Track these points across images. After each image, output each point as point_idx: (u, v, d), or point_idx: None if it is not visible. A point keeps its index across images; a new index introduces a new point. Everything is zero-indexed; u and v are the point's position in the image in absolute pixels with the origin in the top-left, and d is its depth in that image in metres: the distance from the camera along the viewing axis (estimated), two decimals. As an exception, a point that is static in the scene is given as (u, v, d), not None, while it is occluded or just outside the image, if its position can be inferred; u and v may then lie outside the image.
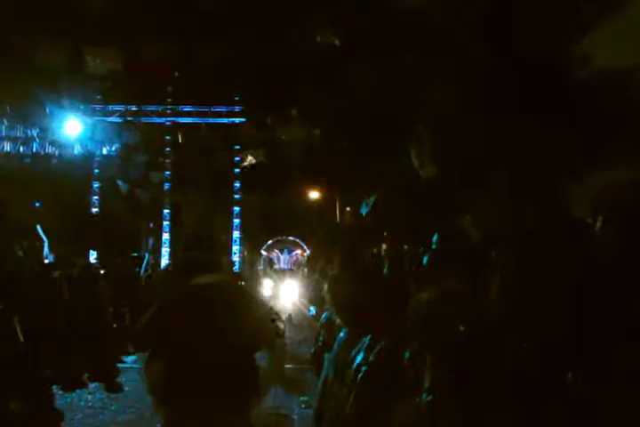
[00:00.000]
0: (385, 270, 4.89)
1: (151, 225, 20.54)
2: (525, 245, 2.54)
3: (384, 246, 11.55)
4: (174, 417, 2.50)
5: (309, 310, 4.89)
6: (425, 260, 2.96)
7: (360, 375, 2.51)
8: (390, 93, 7.19)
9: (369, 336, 2.67)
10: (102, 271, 9.60)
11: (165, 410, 2.52)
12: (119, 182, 19.68)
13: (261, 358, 2.81)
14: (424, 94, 5.65)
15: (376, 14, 7.38)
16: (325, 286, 3.76)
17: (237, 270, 18.34)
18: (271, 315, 3.02)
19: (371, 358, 2.49)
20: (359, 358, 2.60)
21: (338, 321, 3.37)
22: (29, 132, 18.46)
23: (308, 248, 25.91)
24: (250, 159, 19.05)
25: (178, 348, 2.47)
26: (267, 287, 22.20)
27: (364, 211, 10.51)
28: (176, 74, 17.02)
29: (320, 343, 3.83)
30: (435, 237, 2.82)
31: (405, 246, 7.60)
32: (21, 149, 18.51)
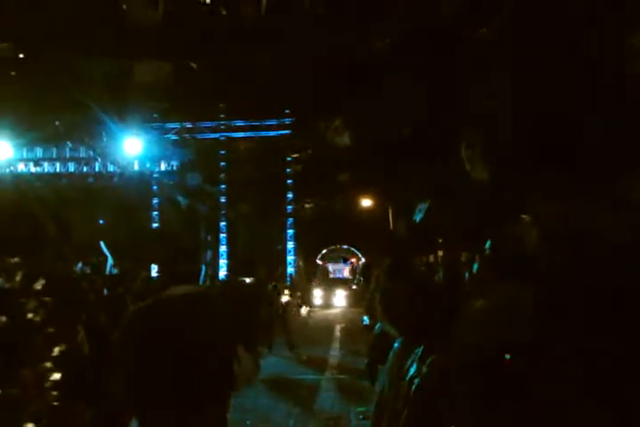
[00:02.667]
0: (439, 278, 4.79)
1: (209, 238, 20.99)
2: (584, 248, 2.43)
3: (440, 253, 11.34)
4: (148, 421, 2.50)
5: (363, 320, 4.82)
6: (476, 266, 2.86)
7: (413, 388, 2.45)
8: (441, 100, 7.10)
9: (421, 347, 2.60)
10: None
11: (139, 414, 2.52)
12: (177, 198, 20.29)
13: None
14: (474, 98, 5.54)
15: (429, 26, 7.32)
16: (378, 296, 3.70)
17: (289, 281, 18.45)
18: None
19: (424, 369, 2.42)
20: (412, 370, 2.54)
21: (392, 331, 3.31)
22: (91, 152, 19.33)
23: (363, 256, 25.78)
24: (301, 169, 19.23)
25: (147, 363, 2.45)
26: (317, 297, 22.26)
27: (417, 217, 10.36)
28: (228, 90, 17.44)
29: (373, 354, 3.78)
30: (488, 243, 2.71)
31: (462, 253, 7.43)
32: (84, 168, 19.40)
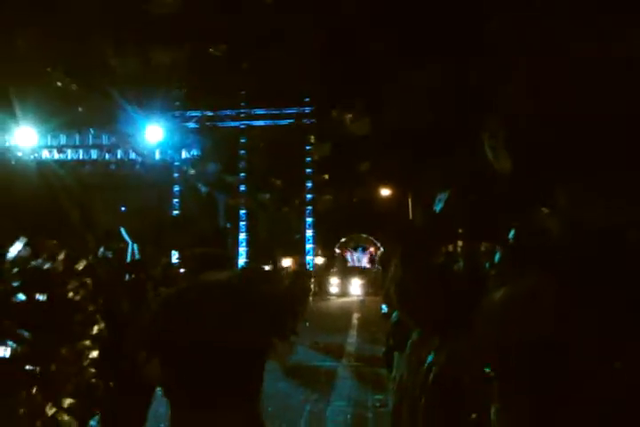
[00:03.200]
0: (459, 267, 4.75)
1: (228, 225, 21.14)
2: (610, 240, 2.39)
3: (460, 244, 11.25)
4: (180, 418, 2.41)
5: (381, 309, 4.82)
6: (497, 257, 2.84)
7: (431, 376, 2.45)
8: (462, 89, 7.01)
9: (439, 337, 2.60)
10: (182, 270, 9.96)
11: (172, 411, 2.42)
12: (198, 185, 20.43)
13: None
14: (498, 88, 5.46)
15: (448, 15, 7.20)
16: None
17: (310, 268, 18.52)
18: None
19: (441, 358, 2.42)
20: (430, 359, 2.54)
21: (408, 321, 3.31)
22: (114, 139, 19.53)
23: (382, 245, 25.73)
24: (322, 157, 19.20)
25: (179, 346, 2.36)
26: (335, 285, 22.30)
27: (437, 207, 10.27)
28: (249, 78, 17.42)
29: (391, 342, 3.79)
30: (511, 233, 2.68)
31: (482, 244, 7.35)
32: (107, 156, 19.61)
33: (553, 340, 2.15)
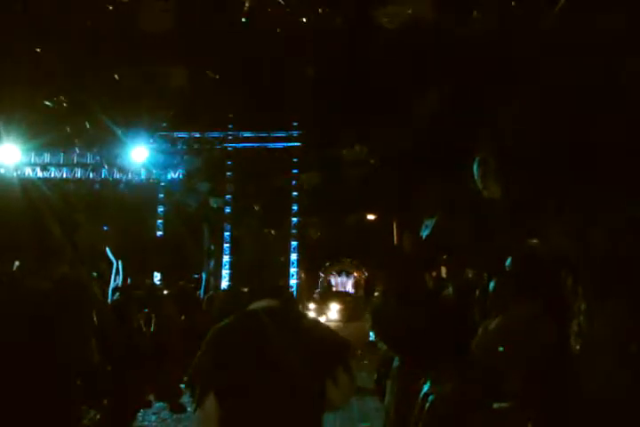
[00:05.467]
0: (448, 293, 4.75)
1: (212, 247, 20.98)
2: (602, 269, 2.41)
3: (444, 270, 11.28)
4: None
5: (369, 336, 4.75)
6: (492, 286, 2.85)
7: (427, 405, 2.42)
8: (453, 117, 7.11)
9: (433, 365, 2.58)
10: (165, 292, 9.85)
11: None
12: (182, 206, 20.32)
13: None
14: (489, 116, 5.54)
15: (444, 41, 7.35)
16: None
17: (295, 294, 18.39)
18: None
19: (438, 388, 2.40)
20: (426, 388, 2.51)
21: (388, 349, 3.28)
22: (98, 158, 19.41)
23: (367, 271, 25.70)
24: (308, 182, 19.26)
25: (235, 382, 2.20)
26: (311, 310, 22.03)
27: (423, 233, 10.33)
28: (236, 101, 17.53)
29: (382, 371, 3.75)
30: (507, 262, 2.70)
31: (469, 271, 7.38)
32: (91, 175, 19.47)
33: (551, 370, 2.14)
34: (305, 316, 2.76)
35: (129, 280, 10.80)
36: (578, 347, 1.99)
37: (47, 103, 15.09)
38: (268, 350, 2.20)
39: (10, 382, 2.74)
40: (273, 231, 20.90)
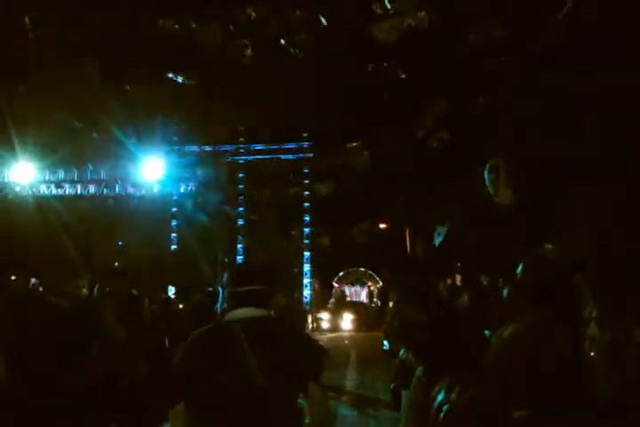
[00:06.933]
0: (464, 301, 4.72)
1: (226, 260, 21.04)
2: (615, 272, 2.39)
3: (458, 278, 11.22)
4: None
5: (383, 345, 4.73)
6: (506, 292, 2.83)
7: (442, 415, 2.39)
8: (463, 125, 7.14)
9: (448, 374, 2.55)
10: (180, 306, 9.84)
11: None
12: (195, 220, 20.44)
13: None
14: (499, 123, 5.55)
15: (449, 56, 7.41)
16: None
17: (307, 304, 18.34)
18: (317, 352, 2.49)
19: (453, 396, 2.37)
20: (440, 397, 2.49)
21: (412, 359, 3.26)
22: (112, 174, 19.64)
23: (381, 280, 25.60)
24: (319, 192, 19.30)
25: (207, 394, 2.19)
26: (324, 320, 21.85)
27: (436, 241, 10.29)
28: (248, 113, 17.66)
29: (399, 381, 3.71)
30: (519, 268, 2.68)
31: (483, 278, 7.33)
32: (105, 191, 19.68)
33: (561, 378, 2.12)
34: (287, 326, 2.69)
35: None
36: (592, 353, 1.97)
37: (60, 120, 15.33)
38: (240, 364, 2.18)
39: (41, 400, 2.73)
40: (285, 242, 20.93)
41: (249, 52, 12.07)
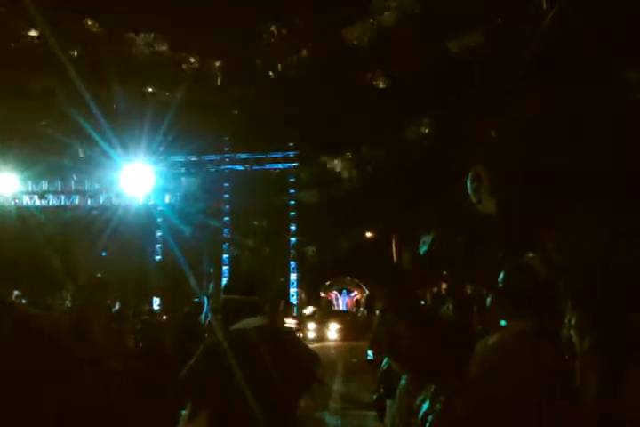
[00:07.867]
0: (448, 310, 4.74)
1: (211, 270, 20.92)
2: (599, 281, 2.41)
3: (444, 286, 11.25)
4: None
5: (367, 355, 4.72)
6: (488, 301, 2.84)
7: (427, 425, 2.40)
8: (448, 136, 7.20)
9: (433, 383, 2.56)
10: (164, 318, 9.77)
11: None
12: (180, 230, 20.31)
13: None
14: (483, 133, 5.60)
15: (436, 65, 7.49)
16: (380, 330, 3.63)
17: (295, 313, 18.26)
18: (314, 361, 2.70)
19: (437, 406, 2.37)
20: (425, 407, 2.49)
21: (397, 368, 3.25)
22: (96, 185, 19.48)
23: (367, 289, 25.61)
24: (305, 201, 19.32)
25: (219, 398, 2.30)
26: (311, 330, 21.70)
27: (422, 250, 10.33)
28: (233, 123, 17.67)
29: (382, 389, 3.71)
30: (501, 277, 2.69)
31: (468, 287, 7.36)
32: (89, 201, 19.51)
33: (554, 383, 2.13)
34: (286, 332, 2.90)
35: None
36: (572, 362, 1.98)
37: (44, 131, 15.21)
38: (258, 368, 2.30)
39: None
40: (269, 251, 20.87)
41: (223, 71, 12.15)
